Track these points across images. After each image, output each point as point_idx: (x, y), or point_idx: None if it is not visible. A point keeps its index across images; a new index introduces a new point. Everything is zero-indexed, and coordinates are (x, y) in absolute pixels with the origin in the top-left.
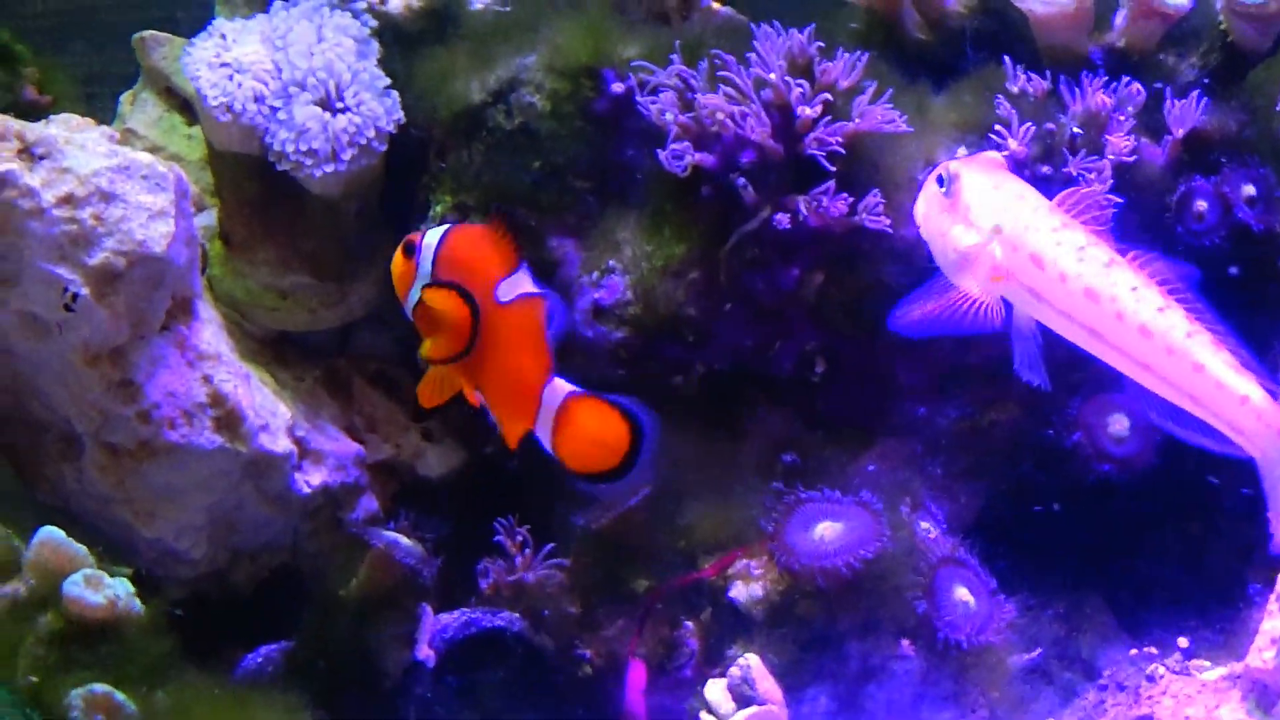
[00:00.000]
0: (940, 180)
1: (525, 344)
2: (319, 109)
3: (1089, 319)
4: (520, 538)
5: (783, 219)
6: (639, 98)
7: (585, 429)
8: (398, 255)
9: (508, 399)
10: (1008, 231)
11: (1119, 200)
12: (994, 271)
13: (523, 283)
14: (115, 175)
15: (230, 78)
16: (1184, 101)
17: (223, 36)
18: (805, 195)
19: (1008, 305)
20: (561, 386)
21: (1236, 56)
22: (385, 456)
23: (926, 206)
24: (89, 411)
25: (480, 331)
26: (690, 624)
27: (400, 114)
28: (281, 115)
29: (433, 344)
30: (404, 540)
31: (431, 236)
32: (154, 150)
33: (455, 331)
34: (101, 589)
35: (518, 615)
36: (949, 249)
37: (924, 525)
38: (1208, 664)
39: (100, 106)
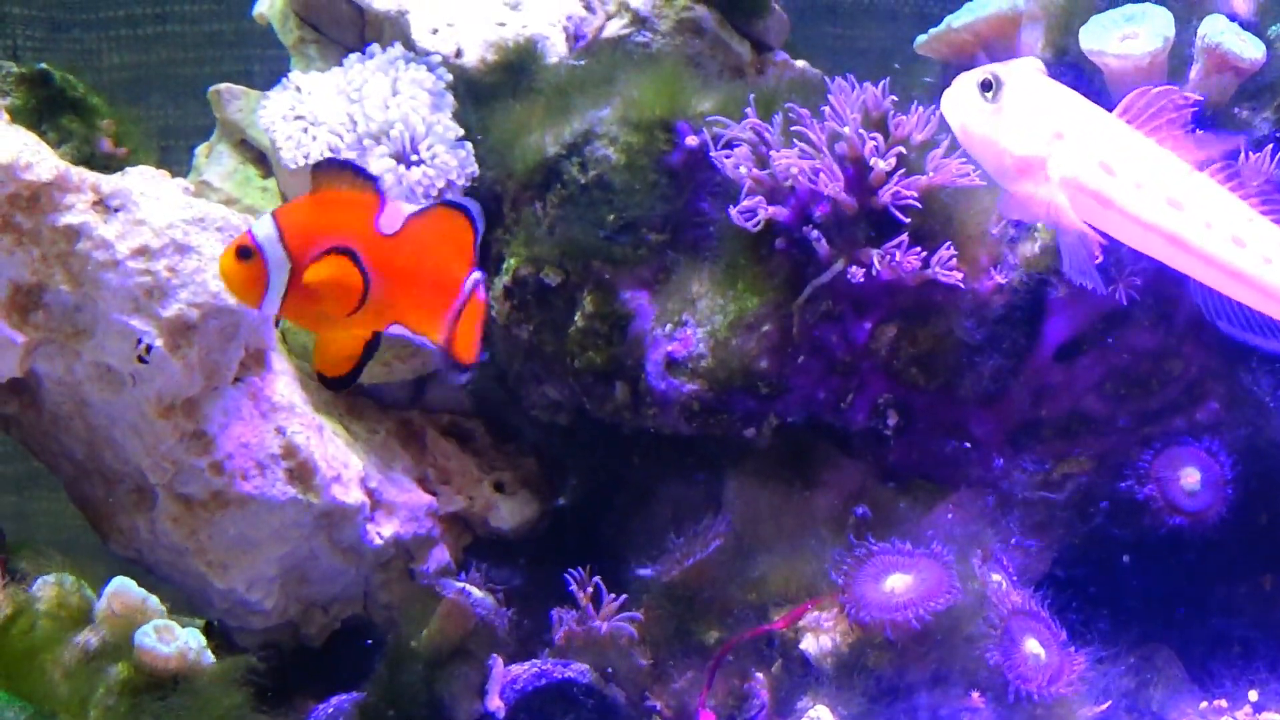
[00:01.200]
0: (986, 85)
1: (441, 253)
2: (393, 162)
3: (1171, 227)
4: (591, 589)
5: (856, 272)
6: (713, 151)
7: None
8: (230, 262)
9: (437, 309)
10: (1070, 137)
11: (1199, 98)
12: (1062, 180)
13: (404, 208)
14: (189, 227)
15: (305, 130)
16: (1258, 155)
17: (298, 89)
18: (879, 249)
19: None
20: (474, 275)
21: None
22: (458, 508)
23: (966, 114)
24: (162, 463)
25: (376, 272)
26: (760, 676)
27: (474, 167)
28: None
29: (328, 317)
30: (475, 591)
31: (263, 227)
32: (229, 202)
33: (345, 288)
34: (173, 640)
35: (588, 667)
36: (1004, 156)
37: (995, 577)
38: (1278, 717)
39: (176, 159)
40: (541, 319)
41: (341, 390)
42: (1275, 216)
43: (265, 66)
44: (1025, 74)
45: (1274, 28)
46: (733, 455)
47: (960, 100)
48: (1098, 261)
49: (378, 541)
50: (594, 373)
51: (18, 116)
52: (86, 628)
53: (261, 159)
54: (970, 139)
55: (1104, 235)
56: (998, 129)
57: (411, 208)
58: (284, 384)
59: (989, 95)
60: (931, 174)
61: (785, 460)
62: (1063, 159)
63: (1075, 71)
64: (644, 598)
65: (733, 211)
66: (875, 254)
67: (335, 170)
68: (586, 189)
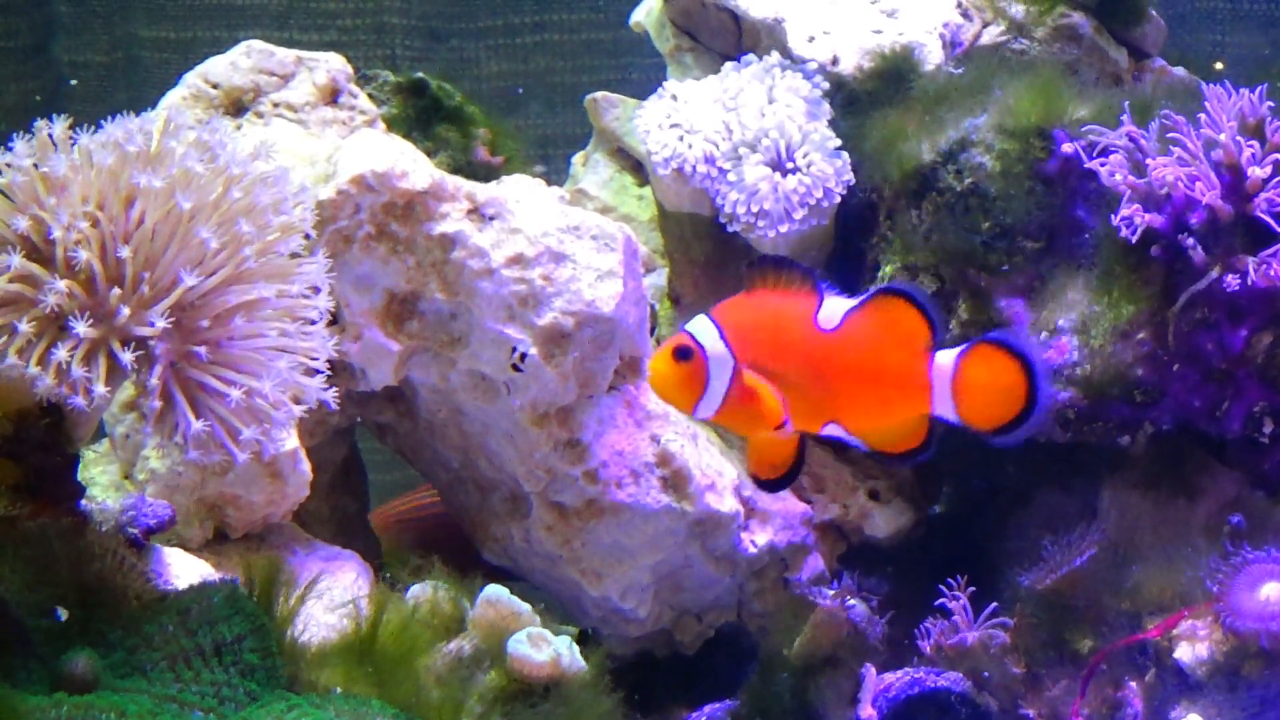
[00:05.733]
0: None
1: (888, 345)
2: (769, 170)
3: None
4: (961, 600)
5: (1231, 280)
6: (1090, 159)
7: (983, 382)
8: (666, 365)
9: (888, 406)
10: None
11: None
12: None
13: (841, 303)
14: (564, 235)
15: (681, 139)
16: None
17: (674, 98)
18: (1254, 257)
19: None
20: (946, 355)
21: None
22: (833, 516)
23: None
24: (536, 471)
25: (815, 370)
26: (1134, 684)
27: (850, 174)
28: (732, 176)
29: (761, 417)
30: (850, 600)
31: (702, 327)
32: (605, 211)
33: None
34: (545, 647)
35: (961, 675)
36: None
37: None
38: None
39: (554, 168)
40: None
41: (777, 491)
42: None
43: (643, 75)
44: None
45: None
46: (1107, 463)
47: None
48: None
49: (752, 550)
50: None
51: (394, 125)
52: (459, 635)
53: (638, 167)
54: None
55: None
56: None
57: (849, 302)
58: None
59: None
60: None
61: (1160, 468)
62: None
63: None
64: (1017, 605)
65: (1114, 219)
66: (1251, 262)
67: (770, 267)
68: (962, 196)
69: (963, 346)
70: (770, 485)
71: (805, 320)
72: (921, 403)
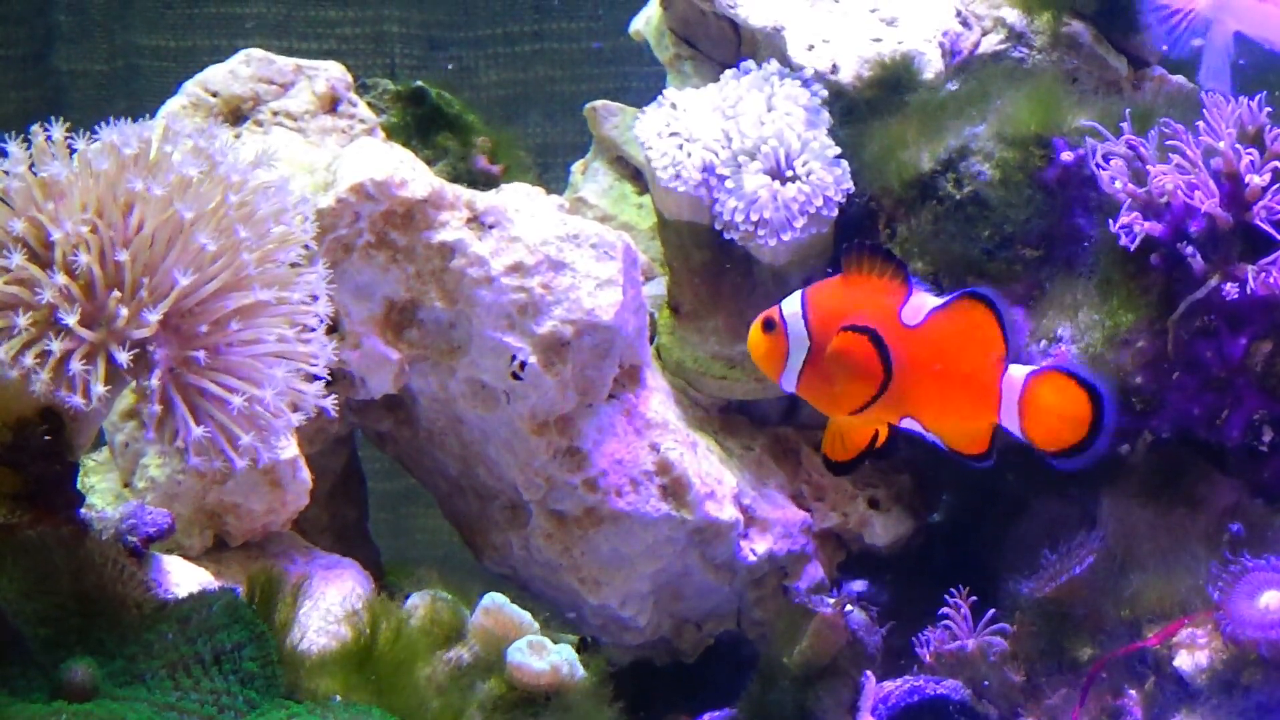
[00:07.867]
0: None
1: (965, 349)
2: (769, 178)
3: None
4: (963, 610)
5: (1230, 289)
6: (1091, 165)
7: (1050, 406)
8: (756, 333)
9: (960, 408)
10: None
11: None
12: None
13: (926, 300)
14: (564, 244)
15: (680, 147)
16: None
17: (673, 106)
18: (1253, 265)
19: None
20: (1018, 371)
21: None
22: (832, 525)
23: None
24: (536, 479)
25: (896, 363)
26: (1133, 693)
27: (849, 183)
28: (731, 184)
29: (842, 398)
30: (849, 608)
31: (790, 304)
32: (604, 219)
33: (865, 373)
34: (545, 655)
35: (961, 683)
36: None
37: None
38: None
39: (553, 176)
40: None
41: (841, 475)
42: None
43: (643, 84)
44: None
45: None
46: (1106, 471)
47: None
48: None
49: (751, 558)
50: None
51: (394, 134)
52: (459, 643)
53: (637, 175)
54: None
55: None
56: None
57: (935, 300)
58: (658, 400)
59: None
60: None
61: (1159, 477)
62: None
63: None
64: (1016, 613)
65: (1115, 227)
66: (1250, 270)
67: (865, 254)
68: (961, 205)
69: (1035, 368)
70: (837, 467)
71: (891, 313)
72: (989, 411)
